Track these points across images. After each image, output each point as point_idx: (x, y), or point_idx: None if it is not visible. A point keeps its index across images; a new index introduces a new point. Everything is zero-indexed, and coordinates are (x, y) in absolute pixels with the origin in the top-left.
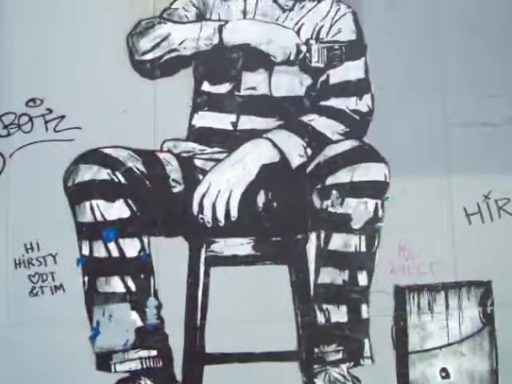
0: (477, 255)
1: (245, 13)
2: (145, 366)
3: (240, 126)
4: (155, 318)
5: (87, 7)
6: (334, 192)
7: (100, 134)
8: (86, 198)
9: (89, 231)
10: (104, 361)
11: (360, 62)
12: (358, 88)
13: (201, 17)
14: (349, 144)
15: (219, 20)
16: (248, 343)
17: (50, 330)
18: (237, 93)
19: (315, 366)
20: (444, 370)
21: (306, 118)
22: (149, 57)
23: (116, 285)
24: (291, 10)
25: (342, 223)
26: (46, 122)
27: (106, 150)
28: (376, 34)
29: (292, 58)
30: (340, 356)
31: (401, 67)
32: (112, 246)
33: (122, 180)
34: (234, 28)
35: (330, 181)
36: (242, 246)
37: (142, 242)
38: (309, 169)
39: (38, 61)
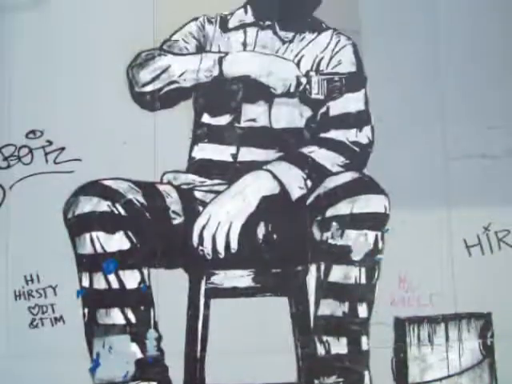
0: (477, 287)
1: (245, 44)
2: None
3: (240, 158)
4: (155, 350)
5: (87, 39)
6: (334, 224)
7: (100, 166)
8: (86, 229)
9: (89, 263)
10: None
11: (360, 93)
12: (358, 120)
13: (201, 48)
14: (349, 176)
15: (219, 52)
16: (248, 375)
17: (50, 361)
18: (237, 124)
19: None
20: None
21: (306, 150)
22: (149, 88)
23: (116, 316)
24: (291, 41)
25: (342, 255)
26: (46, 154)
27: (106, 182)
28: (376, 66)
29: (292, 89)
30: None
31: (401, 99)
32: (112, 277)
33: (122, 212)
34: (234, 60)
35: (330, 212)
36: (242, 277)
37: (142, 273)
38: (309, 200)
39: (38, 92)
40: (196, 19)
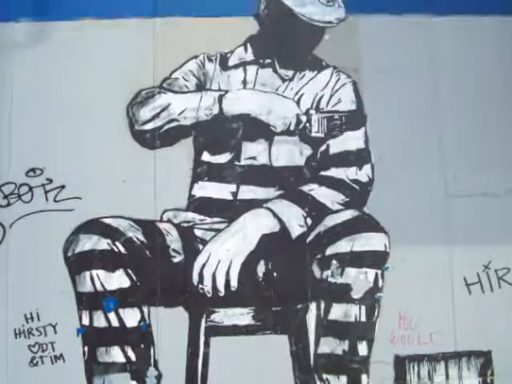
0: (477, 325)
1: (245, 82)
2: None
3: (240, 196)
4: None
5: (87, 77)
6: (334, 262)
7: (100, 204)
8: (86, 267)
9: (89, 301)
10: None
11: (360, 131)
12: (358, 158)
13: (201, 87)
14: (349, 214)
15: (219, 90)
16: None
17: None
18: (237, 163)
19: None
20: None
21: (306, 188)
22: (149, 127)
23: (116, 355)
24: (291, 79)
25: (342, 293)
26: (46, 192)
27: (106, 220)
28: (376, 105)
29: (292, 127)
30: None
31: (401, 137)
32: (112, 315)
33: (122, 250)
34: (234, 98)
35: (330, 251)
36: (242, 315)
37: (142, 311)
38: (309, 239)
39: (38, 130)
40: (196, 57)
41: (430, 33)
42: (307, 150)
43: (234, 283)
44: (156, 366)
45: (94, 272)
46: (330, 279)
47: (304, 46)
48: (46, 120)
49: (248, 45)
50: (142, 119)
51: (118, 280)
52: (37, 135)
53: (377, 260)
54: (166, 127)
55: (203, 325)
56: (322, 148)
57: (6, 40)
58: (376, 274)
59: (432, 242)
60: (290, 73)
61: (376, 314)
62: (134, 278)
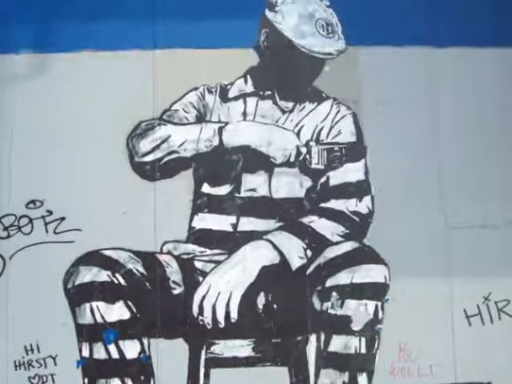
0: (477, 357)
1: (245, 114)
2: None
3: (240, 228)
4: None
5: (87, 109)
6: (334, 294)
7: (100, 236)
8: (86, 299)
9: (89, 333)
10: None
11: (360, 163)
12: (358, 190)
13: (201, 118)
14: (349, 245)
15: (219, 121)
16: None
17: None
18: (237, 194)
19: None
20: None
21: (306, 220)
22: (149, 158)
23: None
24: (291, 111)
25: (342, 325)
26: (46, 224)
27: (106, 252)
28: (376, 136)
29: (292, 159)
30: None
31: (401, 169)
32: (112, 347)
33: (122, 282)
34: (234, 130)
35: (330, 282)
36: (242, 347)
37: (142, 343)
38: (309, 270)
39: (38, 162)
40: (196, 89)
41: (430, 64)
42: (307, 182)
43: (234, 315)
44: None
45: (94, 304)
46: (330, 311)
47: (304, 78)
48: (46, 152)
49: (248, 76)
50: (141, 151)
51: (118, 312)
52: (37, 167)
53: (377, 292)
54: (166, 159)
55: (203, 356)
56: (322, 180)
57: (6, 72)
58: (376, 306)
59: (432, 274)
60: (290, 104)
61: (376, 346)
62: (134, 309)
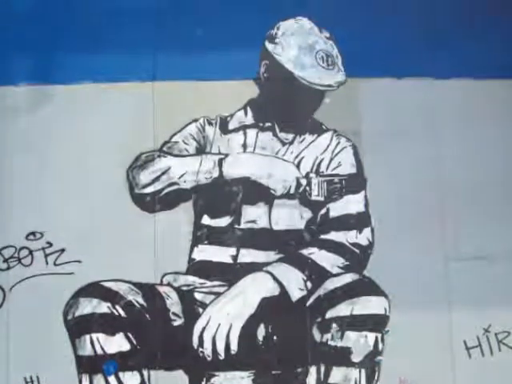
0: None
1: (245, 146)
2: None
3: (240, 259)
4: None
5: (87, 141)
6: (334, 325)
7: (100, 268)
8: (86, 331)
9: (89, 365)
10: None
11: (360, 195)
12: (358, 221)
13: (201, 150)
14: (349, 277)
15: (219, 153)
16: None
17: None
18: (237, 226)
19: None
20: None
21: (306, 252)
22: (149, 190)
23: None
24: (291, 143)
25: (342, 357)
26: (46, 256)
27: (106, 284)
28: (376, 168)
29: (292, 191)
30: None
31: (400, 201)
32: (112, 379)
33: (122, 313)
34: (234, 161)
35: (330, 314)
36: (242, 379)
37: (142, 375)
38: (309, 302)
39: (38, 194)
40: (196, 121)
41: (430, 96)
42: (307, 214)
43: (233, 347)
44: None
45: (94, 335)
46: (330, 342)
47: (304, 110)
48: (46, 183)
49: (248, 108)
50: (142, 183)
51: (118, 343)
52: (37, 198)
53: (377, 323)
54: (166, 190)
55: None
56: (322, 211)
57: (5, 103)
58: (376, 338)
59: (432, 306)
60: (290, 136)
61: (376, 378)
62: (134, 341)
